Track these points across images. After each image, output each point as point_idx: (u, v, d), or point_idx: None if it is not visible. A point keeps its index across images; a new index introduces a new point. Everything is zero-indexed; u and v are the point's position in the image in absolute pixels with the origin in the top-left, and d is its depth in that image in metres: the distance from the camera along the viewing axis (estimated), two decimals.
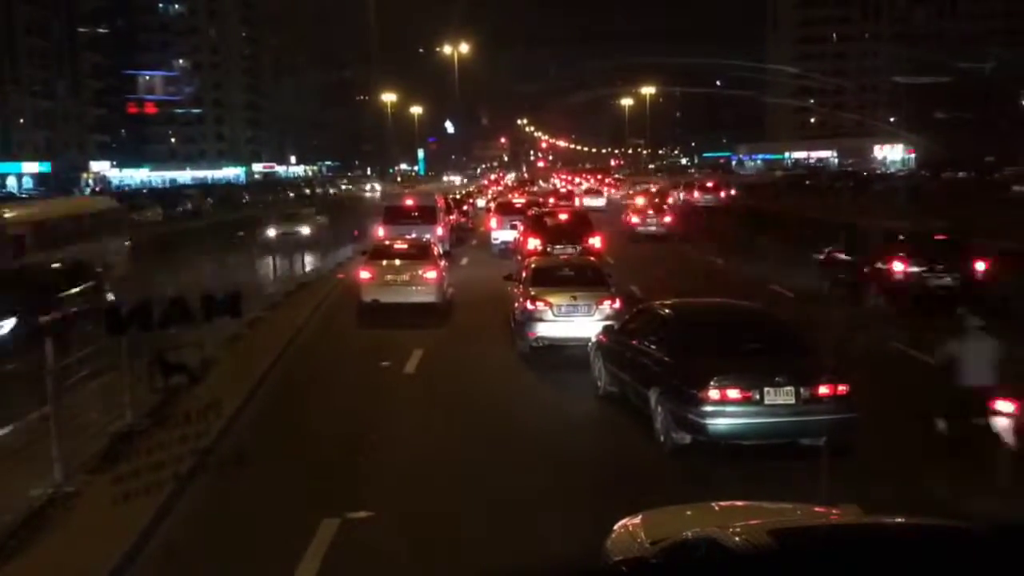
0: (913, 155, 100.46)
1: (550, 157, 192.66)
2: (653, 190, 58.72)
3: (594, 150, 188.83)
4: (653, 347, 10.61)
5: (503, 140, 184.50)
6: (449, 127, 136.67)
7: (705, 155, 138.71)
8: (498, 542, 7.53)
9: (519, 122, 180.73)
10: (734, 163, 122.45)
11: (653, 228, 34.58)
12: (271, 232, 30.92)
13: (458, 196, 48.47)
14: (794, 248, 23.98)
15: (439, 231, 26.99)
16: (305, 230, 31.05)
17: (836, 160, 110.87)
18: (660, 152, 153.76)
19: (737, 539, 3.89)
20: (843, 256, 20.46)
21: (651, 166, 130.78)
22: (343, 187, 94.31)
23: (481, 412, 11.60)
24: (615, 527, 5.60)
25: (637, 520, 5.56)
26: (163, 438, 5.63)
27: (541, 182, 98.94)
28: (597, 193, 61.33)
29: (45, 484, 7.72)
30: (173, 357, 5.88)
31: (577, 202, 49.82)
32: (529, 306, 14.46)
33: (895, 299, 17.65)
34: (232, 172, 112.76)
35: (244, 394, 11.65)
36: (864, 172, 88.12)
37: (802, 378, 9.29)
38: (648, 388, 10.28)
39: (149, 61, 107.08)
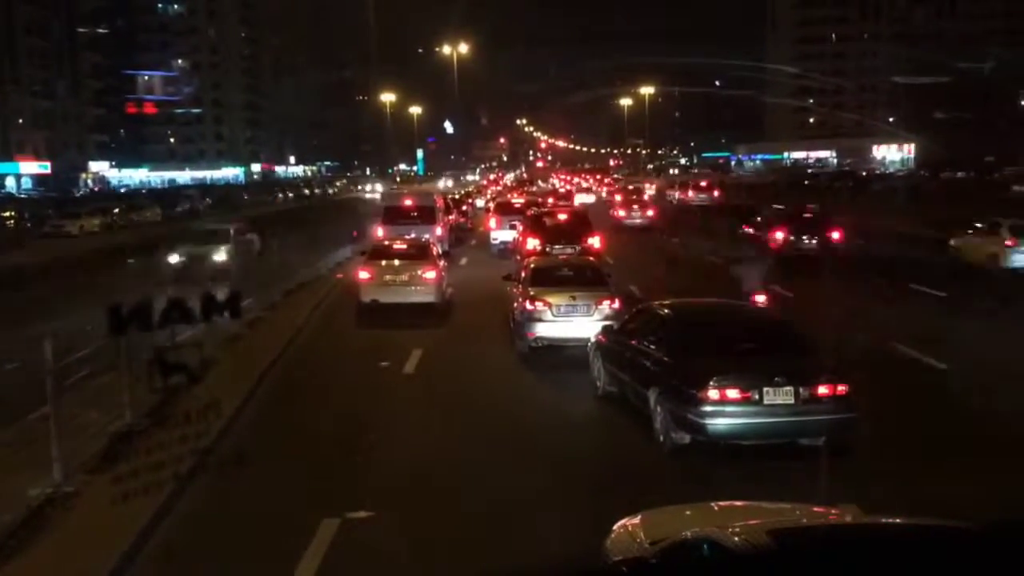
0: (912, 155, 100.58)
1: (549, 157, 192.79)
2: (643, 188, 63.49)
3: (593, 150, 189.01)
4: (652, 347, 10.61)
5: (502, 140, 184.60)
6: (448, 127, 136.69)
7: (704, 155, 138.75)
8: (498, 542, 7.53)
9: (518, 122, 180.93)
10: (733, 163, 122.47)
11: (637, 220, 40.39)
12: (173, 258, 23.75)
13: (457, 196, 48.55)
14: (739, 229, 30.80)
15: (438, 231, 26.99)
16: (219, 256, 23.74)
17: (835, 160, 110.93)
18: (659, 152, 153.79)
19: (736, 539, 3.89)
20: (754, 231, 29.11)
21: (650, 166, 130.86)
22: (335, 187, 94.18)
23: (480, 412, 11.60)
24: (614, 527, 5.60)
25: (636, 520, 5.55)
26: (162, 438, 5.62)
27: (540, 182, 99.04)
28: (589, 191, 70.48)
29: (44, 484, 7.72)
30: (172, 357, 5.88)
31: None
32: (528, 306, 14.46)
33: (779, 256, 24.28)
34: (231, 172, 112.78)
35: (244, 394, 11.65)
36: (863, 172, 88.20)
37: (801, 378, 9.29)
38: (647, 388, 10.28)
39: (148, 61, 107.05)
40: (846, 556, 3.12)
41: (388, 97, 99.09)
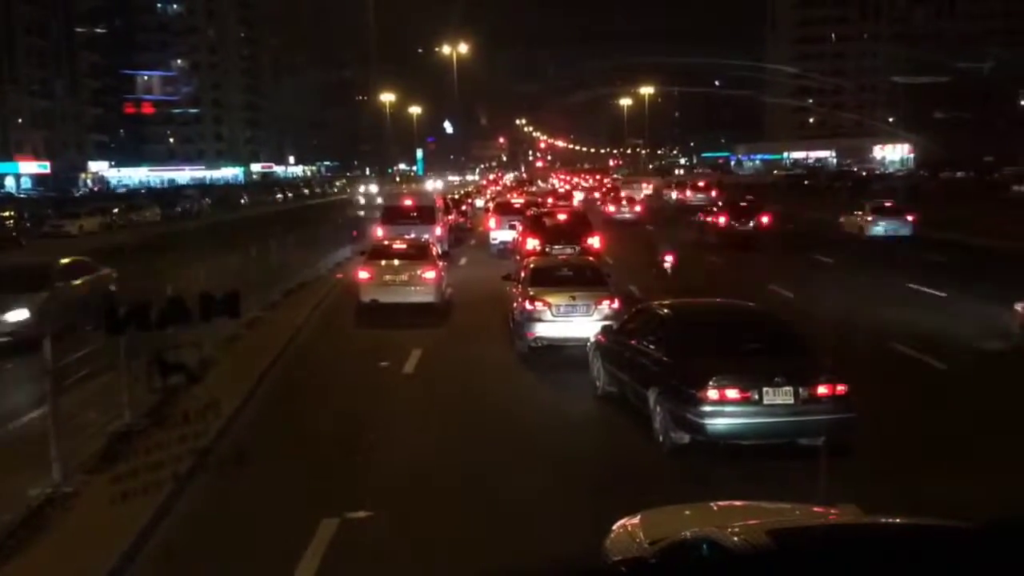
0: (912, 155, 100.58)
1: (549, 157, 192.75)
2: (638, 188, 66.19)
3: (593, 150, 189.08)
4: (652, 347, 10.61)
5: (502, 140, 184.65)
6: (448, 127, 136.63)
7: (704, 155, 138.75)
8: (497, 542, 7.53)
9: (518, 122, 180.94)
10: (733, 163, 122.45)
11: (626, 215, 44.77)
12: None
13: (456, 196, 48.58)
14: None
15: (437, 231, 26.99)
16: (17, 315, 14.65)
17: (835, 160, 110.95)
18: (659, 152, 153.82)
19: (736, 539, 3.89)
20: (706, 218, 35.86)
21: (651, 166, 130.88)
22: (335, 187, 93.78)
23: (480, 412, 11.59)
24: (614, 527, 5.60)
25: (636, 520, 5.55)
26: (162, 438, 5.62)
27: (540, 182, 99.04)
28: (585, 189, 76.55)
29: (43, 484, 7.70)
30: (172, 357, 5.87)
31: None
32: (528, 306, 14.45)
33: (719, 237, 32.65)
34: (231, 172, 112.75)
35: (243, 394, 11.63)
36: (862, 172, 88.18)
37: (801, 378, 9.28)
38: (647, 388, 10.28)
39: (147, 61, 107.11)
40: (846, 556, 3.12)
41: (388, 97, 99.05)
